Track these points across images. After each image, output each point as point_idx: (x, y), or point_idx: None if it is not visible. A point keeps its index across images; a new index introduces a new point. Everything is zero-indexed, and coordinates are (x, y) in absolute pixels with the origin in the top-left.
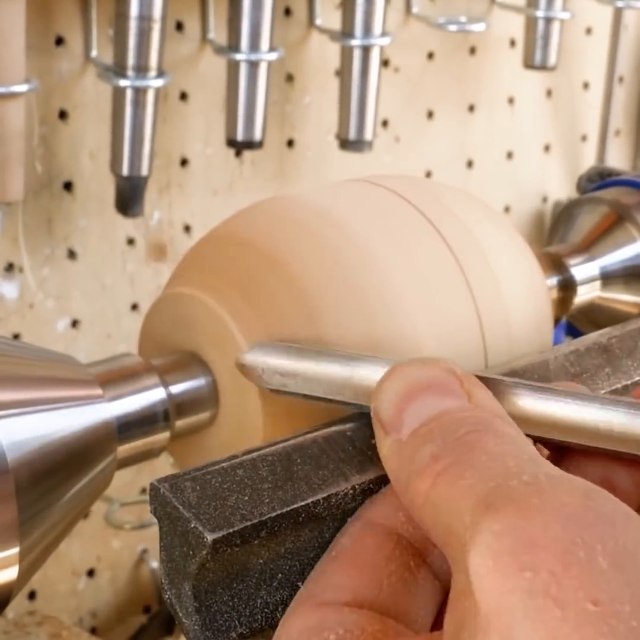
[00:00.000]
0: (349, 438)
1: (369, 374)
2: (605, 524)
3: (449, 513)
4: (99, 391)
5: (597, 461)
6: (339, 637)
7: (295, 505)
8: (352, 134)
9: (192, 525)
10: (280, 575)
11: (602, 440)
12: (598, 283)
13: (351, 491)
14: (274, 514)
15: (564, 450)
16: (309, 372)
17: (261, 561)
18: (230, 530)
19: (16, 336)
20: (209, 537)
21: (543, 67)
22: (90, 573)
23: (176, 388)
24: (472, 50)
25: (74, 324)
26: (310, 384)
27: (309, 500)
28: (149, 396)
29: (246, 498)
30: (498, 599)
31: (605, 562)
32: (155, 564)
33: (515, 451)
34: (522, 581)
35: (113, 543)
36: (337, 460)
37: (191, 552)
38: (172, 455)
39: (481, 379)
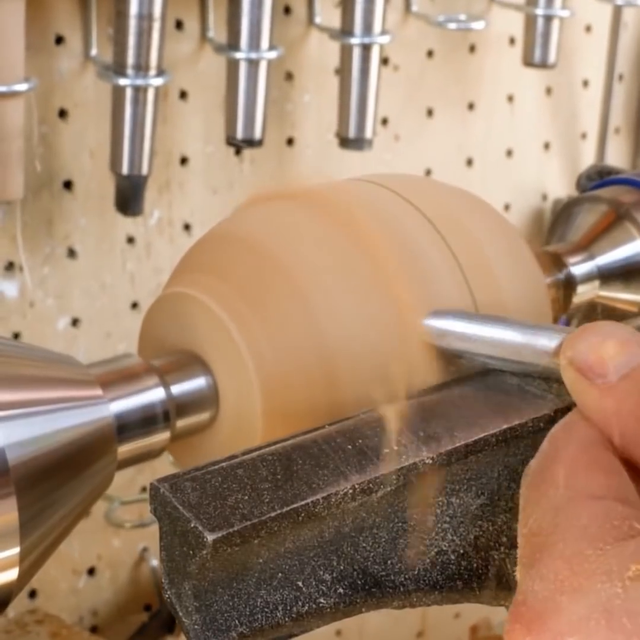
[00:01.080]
0: (348, 438)
1: (546, 339)
2: None
3: None
4: (99, 392)
5: None
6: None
7: (295, 505)
8: (351, 132)
9: (192, 525)
10: (280, 574)
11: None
12: (597, 281)
13: (351, 491)
14: (273, 514)
15: None
16: (487, 336)
17: (261, 561)
18: (230, 530)
19: (16, 335)
20: (209, 537)
21: (543, 65)
22: (91, 571)
23: (176, 388)
24: (472, 49)
25: (74, 322)
26: (488, 347)
27: (309, 500)
28: (149, 396)
29: (246, 498)
30: None
31: None
32: (155, 562)
33: None
34: None
35: (113, 542)
36: (337, 460)
37: (191, 552)
38: (172, 455)
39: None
